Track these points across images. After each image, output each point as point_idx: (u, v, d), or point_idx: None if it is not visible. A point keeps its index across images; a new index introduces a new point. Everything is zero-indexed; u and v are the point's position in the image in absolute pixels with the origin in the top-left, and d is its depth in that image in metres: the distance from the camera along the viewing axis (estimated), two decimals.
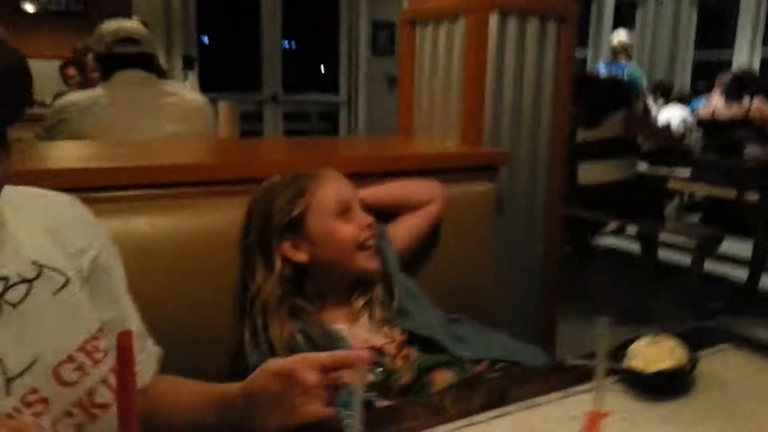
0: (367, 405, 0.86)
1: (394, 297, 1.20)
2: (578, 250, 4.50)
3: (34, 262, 0.76)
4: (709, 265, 3.78)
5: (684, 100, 6.34)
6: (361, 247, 1.17)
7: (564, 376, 0.98)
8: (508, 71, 1.96)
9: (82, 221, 0.88)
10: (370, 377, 1.06)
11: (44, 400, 0.72)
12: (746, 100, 4.80)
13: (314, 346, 1.09)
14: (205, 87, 4.76)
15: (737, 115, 4.71)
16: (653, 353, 0.95)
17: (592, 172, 3.75)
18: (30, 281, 0.74)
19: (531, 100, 2.00)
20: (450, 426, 0.84)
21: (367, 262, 1.18)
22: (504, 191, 1.94)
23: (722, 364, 1.03)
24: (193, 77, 5.18)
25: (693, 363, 0.96)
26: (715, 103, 5.18)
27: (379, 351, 1.12)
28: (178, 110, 2.16)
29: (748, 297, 3.62)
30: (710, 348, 1.08)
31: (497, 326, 1.40)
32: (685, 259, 3.96)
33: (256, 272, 1.14)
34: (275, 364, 0.81)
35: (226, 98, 2.93)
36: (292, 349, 1.07)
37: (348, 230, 1.16)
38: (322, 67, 6.85)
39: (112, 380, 0.78)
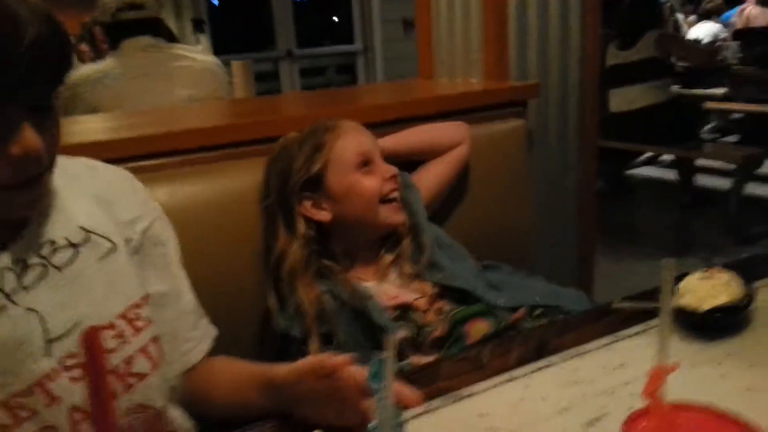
0: (400, 374, 0.82)
1: (423, 250, 1.14)
2: (612, 183, 4.36)
3: (81, 228, 0.77)
4: (751, 188, 3.62)
5: (713, 13, 5.99)
6: (385, 200, 1.12)
7: (609, 320, 0.93)
8: None
9: (134, 194, 0.88)
10: (402, 334, 1.03)
11: (82, 365, 0.71)
12: None
13: (343, 305, 1.06)
14: (217, 49, 4.66)
15: None
16: (706, 288, 0.89)
17: (624, 98, 3.60)
18: (76, 246, 0.76)
19: (558, 25, 1.87)
20: (488, 382, 0.79)
21: (392, 215, 1.13)
22: (534, 127, 1.85)
23: None
24: (204, 40, 5.07)
25: (750, 297, 0.89)
26: (748, 11, 4.88)
27: (409, 306, 1.08)
28: (190, 73, 2.11)
29: None
30: (766, 278, 1.01)
31: (534, 270, 1.35)
32: (725, 183, 3.81)
33: (279, 235, 1.11)
34: (308, 363, 0.75)
35: (240, 59, 2.85)
36: (320, 311, 1.05)
37: (370, 183, 1.11)
38: (334, 17, 6.66)
39: (152, 349, 0.78)
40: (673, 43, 3.58)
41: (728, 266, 0.93)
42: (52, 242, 0.75)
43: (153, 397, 0.79)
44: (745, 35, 4.50)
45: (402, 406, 0.65)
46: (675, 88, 3.91)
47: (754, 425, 0.49)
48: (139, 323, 0.78)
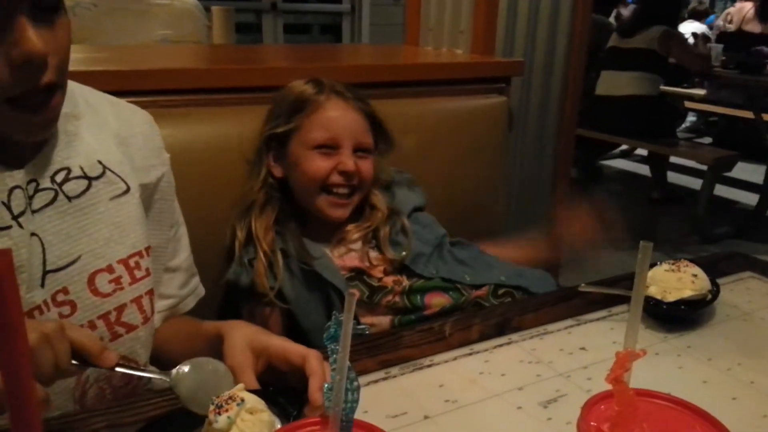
0: (358, 337, 0.80)
1: (395, 236, 1.11)
2: (584, 171, 4.39)
3: (99, 162, 0.74)
4: (719, 190, 3.68)
5: (702, 15, 6.04)
6: (326, 189, 1.07)
7: (573, 303, 0.92)
8: None
9: (153, 141, 0.86)
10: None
11: (72, 304, 0.70)
12: None
13: (292, 262, 1.04)
14: None
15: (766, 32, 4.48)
16: (673, 280, 0.88)
17: (612, 82, 3.60)
18: (91, 179, 0.73)
19: (549, 6, 1.84)
20: (448, 354, 0.78)
21: (328, 207, 1.07)
22: (515, 105, 1.82)
23: (744, 293, 0.97)
24: None
25: (714, 292, 0.89)
26: (747, 12, 4.90)
27: (364, 271, 1.07)
28: (168, 13, 2.02)
29: (757, 222, 3.55)
30: (731, 275, 1.02)
31: None
32: (695, 183, 3.87)
33: (252, 169, 1.12)
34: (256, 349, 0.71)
35: (222, 6, 2.74)
36: (270, 264, 1.03)
37: (316, 166, 1.06)
38: None
39: (145, 302, 0.77)
40: (675, 41, 3.56)
41: (694, 261, 0.93)
42: (68, 170, 0.72)
43: (138, 351, 0.77)
44: (731, 39, 4.53)
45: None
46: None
47: (714, 418, 0.48)
48: (138, 273, 0.76)
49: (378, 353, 0.77)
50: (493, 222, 1.52)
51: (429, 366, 0.76)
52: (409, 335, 0.83)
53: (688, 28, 5.68)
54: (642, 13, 3.59)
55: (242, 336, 0.72)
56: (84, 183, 0.72)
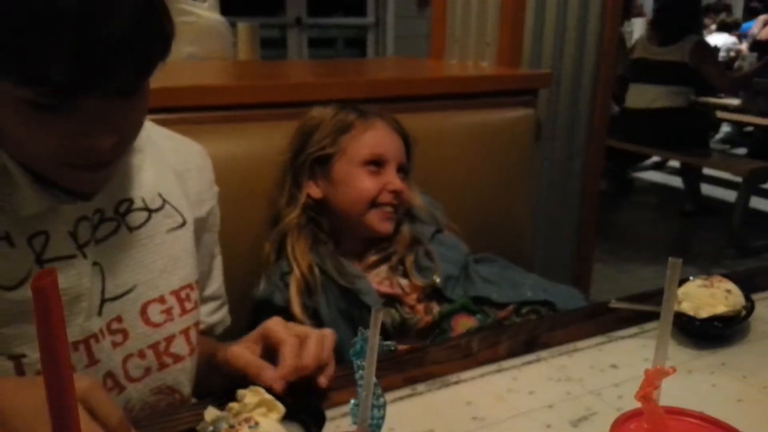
0: (385, 354, 0.80)
1: (420, 262, 1.12)
2: (615, 183, 4.33)
3: (159, 195, 0.76)
4: (755, 202, 3.60)
5: (729, 26, 5.94)
6: (375, 205, 1.09)
7: (603, 320, 0.91)
8: None
9: (206, 174, 0.88)
10: (387, 317, 1.01)
11: (124, 332, 0.72)
12: None
13: (330, 281, 1.05)
14: (224, 10, 4.59)
15: None
16: (705, 296, 0.86)
17: (643, 96, 3.55)
18: (151, 211, 0.75)
19: (577, 16, 1.83)
20: (476, 371, 0.77)
21: (377, 221, 1.10)
22: (543, 117, 1.81)
23: None
24: None
25: (749, 308, 0.87)
26: None
27: (397, 299, 1.07)
28: (193, 30, 2.06)
29: None
30: (767, 291, 0.99)
31: (530, 265, 1.32)
32: (730, 195, 3.78)
33: (284, 193, 1.14)
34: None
35: (247, 22, 2.79)
36: (306, 283, 1.03)
37: (368, 184, 1.09)
38: None
39: (192, 334, 0.78)
40: (707, 55, 3.50)
41: (728, 277, 0.90)
42: (131, 201, 0.73)
43: (183, 381, 0.78)
44: (764, 47, 4.44)
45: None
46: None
47: None
48: (188, 305, 0.78)
49: (404, 369, 0.77)
50: (520, 235, 1.51)
51: (456, 383, 0.75)
52: (436, 351, 0.83)
53: (717, 40, 5.60)
54: (671, 22, 3.52)
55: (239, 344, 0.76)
56: (144, 215, 0.74)
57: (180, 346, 0.77)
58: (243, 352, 0.73)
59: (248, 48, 2.35)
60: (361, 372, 0.48)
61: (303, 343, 0.71)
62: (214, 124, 1.24)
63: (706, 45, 3.57)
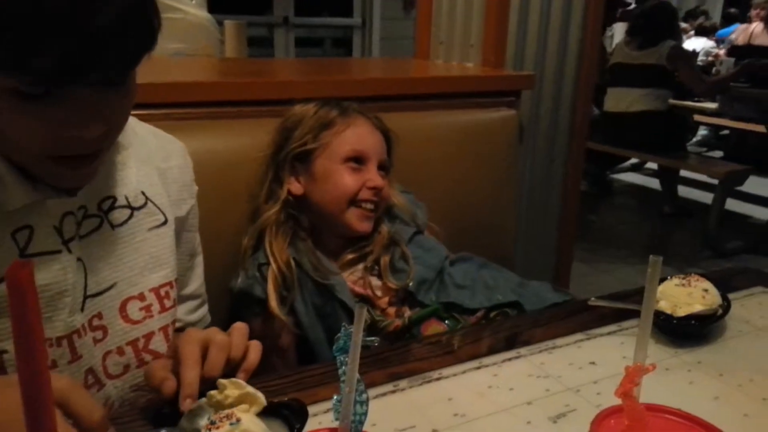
0: (367, 349, 0.80)
1: (396, 264, 1.11)
2: (594, 184, 4.38)
3: (142, 193, 0.77)
4: (731, 204, 3.66)
5: (708, 30, 6.04)
6: (355, 203, 1.09)
7: (583, 318, 0.92)
8: None
9: (186, 172, 0.87)
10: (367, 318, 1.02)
11: (104, 329, 0.72)
12: None
13: (306, 276, 1.05)
14: (213, 7, 4.56)
15: None
16: (683, 295, 0.88)
17: (621, 99, 3.59)
18: (133, 209, 0.75)
19: (559, 19, 1.85)
20: (458, 368, 0.78)
21: (356, 220, 1.09)
22: (525, 119, 1.83)
23: (756, 308, 0.96)
24: None
25: (725, 307, 0.89)
26: (753, 27, 4.90)
27: (369, 300, 1.07)
28: (181, 27, 2.04)
29: None
30: (743, 290, 1.01)
31: (511, 265, 1.33)
32: (706, 197, 3.84)
33: (264, 188, 1.13)
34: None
35: (234, 20, 2.78)
36: (283, 277, 1.04)
37: (348, 180, 1.09)
38: None
39: (171, 331, 0.78)
40: (683, 60, 3.55)
41: (705, 276, 0.92)
42: (114, 198, 0.73)
43: None
44: (741, 52, 4.52)
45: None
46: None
47: None
48: (168, 302, 0.78)
49: (387, 366, 0.77)
50: (503, 235, 1.52)
51: (438, 379, 0.76)
52: (418, 348, 0.83)
53: (696, 44, 5.69)
54: (647, 27, 3.57)
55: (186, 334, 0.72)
56: (127, 212, 0.75)
57: (159, 343, 0.76)
58: (153, 367, 0.69)
59: (235, 46, 2.33)
60: (344, 368, 0.48)
61: (207, 352, 0.67)
62: (201, 121, 1.24)
63: (683, 50, 3.63)
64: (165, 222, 0.79)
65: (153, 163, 0.81)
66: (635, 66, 3.52)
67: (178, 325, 0.89)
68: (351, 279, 1.09)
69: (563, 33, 1.87)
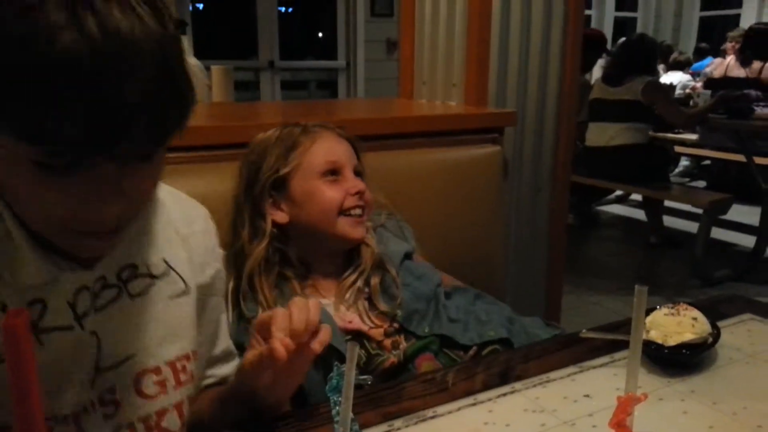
0: (360, 388, 0.80)
1: (387, 288, 1.10)
2: (580, 217, 4.42)
3: (164, 260, 0.73)
4: (716, 232, 3.70)
5: (684, 65, 6.21)
6: (344, 213, 1.09)
7: (575, 350, 0.92)
8: (515, 27, 1.86)
9: (210, 238, 0.84)
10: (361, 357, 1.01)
11: (116, 403, 0.68)
12: (757, 63, 4.69)
13: None
14: (198, 53, 4.64)
15: (751, 76, 4.59)
16: (673, 324, 0.88)
17: (602, 134, 3.66)
18: (154, 277, 0.72)
19: (538, 57, 1.90)
20: (452, 405, 0.78)
21: (350, 228, 1.09)
22: (509, 155, 1.86)
23: (745, 335, 0.97)
24: (185, 42, 5.03)
25: (715, 335, 0.89)
26: (729, 61, 5.04)
27: (364, 335, 1.05)
28: None
29: (756, 264, 3.56)
30: (732, 318, 1.02)
31: (502, 299, 1.33)
32: (692, 226, 3.89)
33: (244, 231, 1.09)
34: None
35: (220, 64, 2.83)
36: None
37: (331, 193, 1.08)
38: (319, 32, 6.68)
39: (185, 408, 0.75)
40: (660, 94, 3.64)
41: (694, 305, 0.93)
42: (134, 266, 0.70)
43: None
44: (718, 85, 4.64)
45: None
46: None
47: None
48: (183, 377, 0.74)
49: (381, 405, 0.77)
50: (493, 269, 1.53)
51: (433, 417, 0.75)
52: (412, 386, 0.83)
53: (671, 78, 5.84)
54: (623, 64, 3.67)
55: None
56: (147, 281, 0.71)
57: (172, 421, 0.73)
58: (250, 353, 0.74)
59: (222, 90, 2.37)
60: (337, 408, 0.48)
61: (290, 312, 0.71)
62: (190, 164, 1.25)
63: (658, 84, 3.72)
64: (186, 291, 0.76)
65: (175, 228, 0.77)
66: (613, 102, 3.59)
67: (210, 381, 0.87)
68: (346, 314, 1.07)
69: (543, 70, 1.92)
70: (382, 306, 1.07)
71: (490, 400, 0.79)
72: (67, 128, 0.49)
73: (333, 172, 1.09)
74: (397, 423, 0.73)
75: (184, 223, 0.79)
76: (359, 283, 1.09)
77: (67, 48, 0.48)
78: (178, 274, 0.75)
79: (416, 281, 1.13)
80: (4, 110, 0.50)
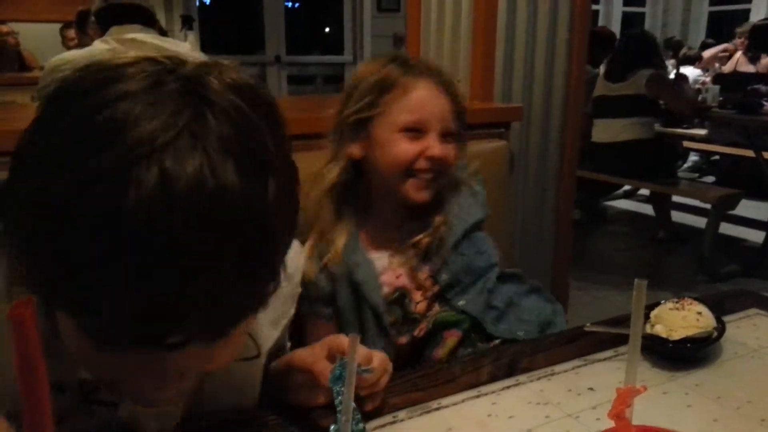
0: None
1: (441, 251, 1.09)
2: (588, 213, 4.41)
3: None
4: (724, 228, 3.68)
5: (693, 59, 6.17)
6: (411, 173, 1.05)
7: (580, 344, 0.92)
8: (521, 21, 1.85)
9: (295, 279, 0.80)
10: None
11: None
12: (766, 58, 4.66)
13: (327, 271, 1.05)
14: (205, 48, 4.66)
15: (761, 71, 4.56)
16: (677, 319, 0.88)
17: (607, 130, 3.64)
18: None
19: (544, 53, 1.90)
20: (456, 397, 0.78)
21: (412, 190, 1.05)
22: (516, 149, 1.86)
23: (751, 329, 0.96)
24: (192, 37, 5.05)
25: (720, 329, 0.89)
26: (737, 57, 5.01)
27: (407, 293, 1.07)
28: None
29: (764, 260, 3.54)
30: (737, 313, 1.02)
31: None
32: (700, 222, 3.87)
33: (329, 154, 1.09)
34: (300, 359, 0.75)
35: (227, 60, 2.84)
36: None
37: (405, 150, 1.04)
38: (326, 27, 6.68)
39: None
40: (664, 86, 3.62)
41: (699, 300, 0.93)
42: None
43: None
44: (727, 79, 4.62)
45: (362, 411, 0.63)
46: (657, 126, 3.97)
47: None
48: None
49: (385, 396, 0.77)
50: (498, 264, 1.52)
51: (437, 409, 0.75)
52: (417, 378, 0.83)
53: (684, 72, 5.81)
54: (625, 59, 3.64)
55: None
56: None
57: None
58: (309, 354, 0.72)
59: None
60: (340, 398, 0.49)
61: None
62: None
63: (661, 76, 3.69)
64: (258, 355, 0.73)
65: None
66: (616, 98, 3.57)
67: None
68: (396, 268, 1.08)
69: (549, 65, 1.92)
70: (431, 269, 1.08)
71: (494, 392, 0.79)
72: (111, 316, 0.43)
73: (416, 130, 1.04)
74: (401, 414, 0.74)
75: None
76: (422, 244, 1.08)
77: (125, 228, 0.40)
78: (252, 338, 0.71)
79: (474, 254, 1.11)
80: (52, 278, 0.44)
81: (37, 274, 0.44)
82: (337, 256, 1.05)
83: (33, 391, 0.29)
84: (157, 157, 0.40)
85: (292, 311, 0.81)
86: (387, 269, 1.07)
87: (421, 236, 1.08)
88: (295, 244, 0.78)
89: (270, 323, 0.76)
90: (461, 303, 1.07)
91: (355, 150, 1.07)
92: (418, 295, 1.07)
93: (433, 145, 1.04)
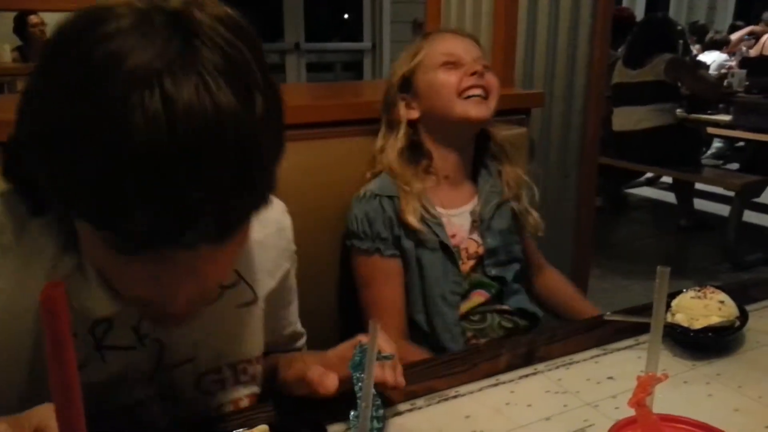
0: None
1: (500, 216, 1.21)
2: (610, 200, 4.36)
3: (235, 271, 0.73)
4: (748, 216, 3.62)
5: (719, 44, 6.03)
6: (463, 95, 1.13)
7: (599, 333, 0.92)
8: (543, 5, 1.82)
9: (284, 235, 0.83)
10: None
11: (175, 399, 0.71)
12: None
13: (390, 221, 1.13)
14: None
15: None
16: (699, 307, 0.87)
17: (628, 118, 3.58)
18: (224, 288, 0.72)
19: (567, 38, 1.87)
20: (475, 385, 0.78)
21: (469, 107, 1.13)
22: (536, 136, 1.84)
23: None
24: None
25: (742, 318, 0.88)
26: (765, 41, 4.89)
27: (458, 251, 1.16)
28: None
29: None
30: (761, 302, 1.00)
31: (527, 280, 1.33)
32: (723, 209, 3.81)
33: (378, 139, 1.20)
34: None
35: None
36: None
37: (448, 77, 1.14)
38: (345, 14, 6.65)
39: (243, 403, 0.76)
40: (684, 70, 3.53)
41: (721, 288, 0.92)
42: None
43: None
44: (754, 64, 4.51)
45: (383, 396, 0.64)
46: (679, 112, 3.90)
47: None
48: (243, 377, 0.76)
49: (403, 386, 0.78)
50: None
51: (455, 397, 0.76)
52: (435, 366, 0.84)
53: (708, 57, 5.68)
54: (643, 45, 3.55)
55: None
56: (218, 291, 0.71)
57: None
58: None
59: None
60: (360, 384, 0.49)
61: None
62: None
63: (680, 60, 3.60)
64: (254, 300, 0.76)
65: (253, 234, 0.74)
66: (635, 84, 3.49)
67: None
68: (457, 222, 1.17)
69: (571, 51, 1.89)
70: (483, 231, 1.17)
71: (512, 380, 0.80)
72: (131, 221, 0.47)
73: (452, 63, 1.15)
74: (419, 402, 0.75)
75: (259, 227, 0.71)
76: (492, 202, 1.19)
77: (136, 145, 0.45)
78: (247, 283, 0.74)
79: (514, 243, 1.23)
80: (74, 197, 0.49)
81: (65, 192, 0.49)
82: (410, 211, 1.12)
83: (63, 372, 0.30)
84: (156, 82, 0.44)
85: (287, 266, 0.82)
86: (447, 226, 1.16)
87: (493, 193, 1.20)
88: (281, 205, 0.81)
89: (266, 272, 0.78)
90: (494, 272, 1.19)
91: (410, 114, 1.17)
92: (465, 255, 1.17)
93: (471, 65, 1.14)
